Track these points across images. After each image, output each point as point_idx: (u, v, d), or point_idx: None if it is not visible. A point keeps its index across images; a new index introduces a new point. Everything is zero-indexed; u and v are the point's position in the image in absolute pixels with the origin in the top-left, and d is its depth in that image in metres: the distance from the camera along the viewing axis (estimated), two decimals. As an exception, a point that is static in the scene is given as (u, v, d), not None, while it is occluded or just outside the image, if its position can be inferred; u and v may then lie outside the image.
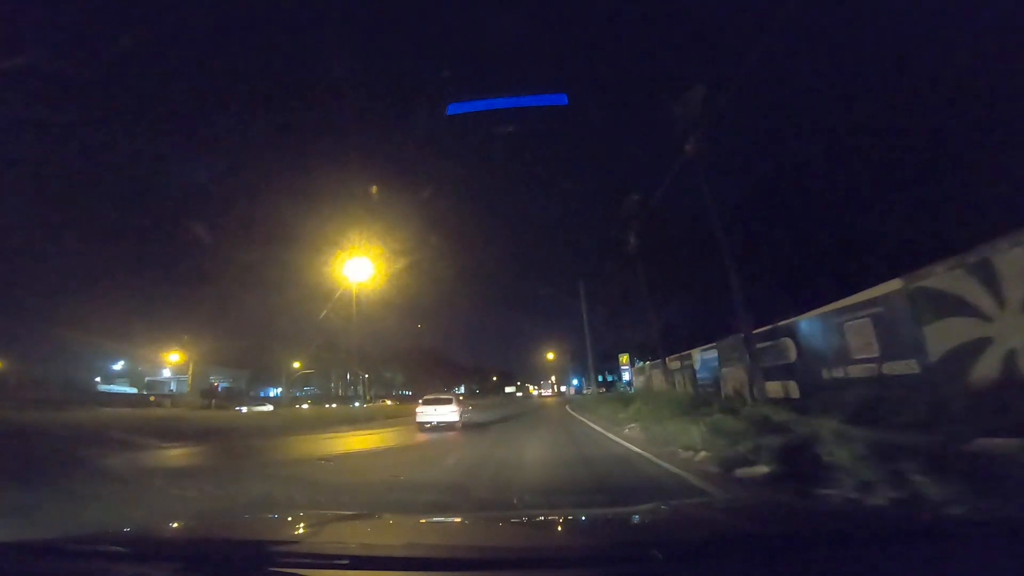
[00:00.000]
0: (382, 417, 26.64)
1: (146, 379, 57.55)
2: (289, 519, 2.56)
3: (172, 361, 52.43)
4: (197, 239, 28.83)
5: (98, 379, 48.96)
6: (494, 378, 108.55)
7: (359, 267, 27.04)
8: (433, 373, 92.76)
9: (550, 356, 71.03)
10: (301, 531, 2.11)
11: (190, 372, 54.69)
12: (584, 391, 67.08)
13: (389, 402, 52.50)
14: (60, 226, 30.76)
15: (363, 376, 56.58)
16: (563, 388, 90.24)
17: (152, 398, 45.63)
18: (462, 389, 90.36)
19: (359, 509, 2.99)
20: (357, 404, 40.51)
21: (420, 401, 18.12)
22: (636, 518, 2.35)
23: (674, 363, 22.85)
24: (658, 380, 27.38)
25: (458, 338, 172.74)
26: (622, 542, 1.79)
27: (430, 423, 16.69)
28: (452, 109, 14.25)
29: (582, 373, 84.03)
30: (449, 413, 16.80)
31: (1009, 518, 2.00)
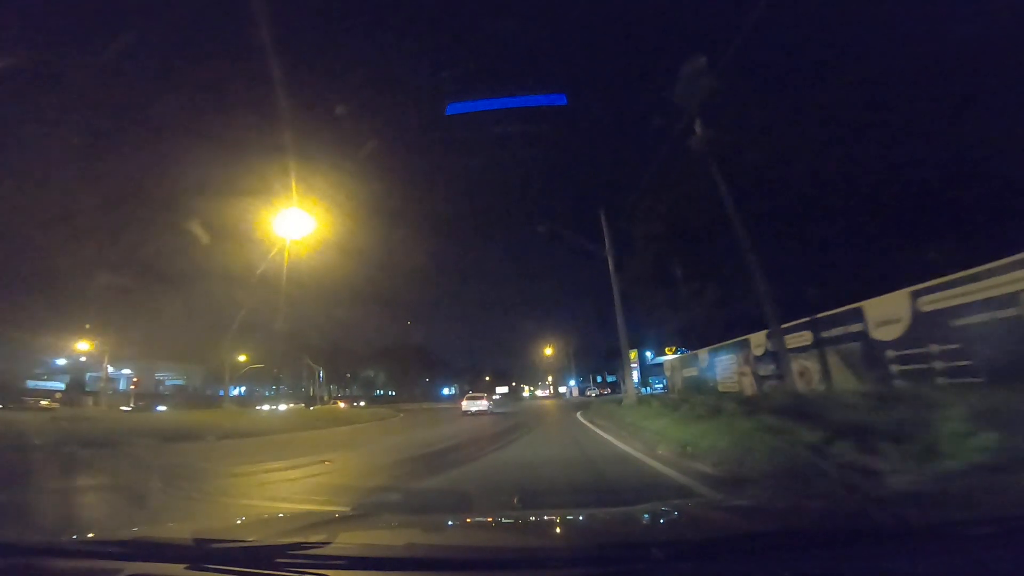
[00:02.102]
0: (289, 430, 15.56)
1: (87, 375, 48.91)
2: (288, 519, 2.53)
3: (80, 350, 43.32)
4: (140, 224, 23.70)
5: (43, 375, 44.17)
6: (487, 378, 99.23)
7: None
8: (422, 372, 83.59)
9: (548, 351, 59.86)
10: (300, 531, 1.95)
11: (104, 364, 44.37)
12: (589, 392, 55.06)
13: (342, 404, 40.49)
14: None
15: (318, 372, 45.11)
16: (562, 389, 79.99)
17: (58, 394, 38.87)
18: (454, 389, 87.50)
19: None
20: (275, 408, 28.96)
21: (464, 397, 30.20)
22: (636, 518, 2.25)
23: (799, 337, 11.66)
24: (735, 371, 16.09)
25: (452, 337, 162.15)
26: (622, 542, 1.73)
27: (471, 411, 25.14)
28: (451, 109, 13.28)
29: (583, 372, 73.28)
30: (482, 404, 26.28)
31: (1009, 518, 1.56)
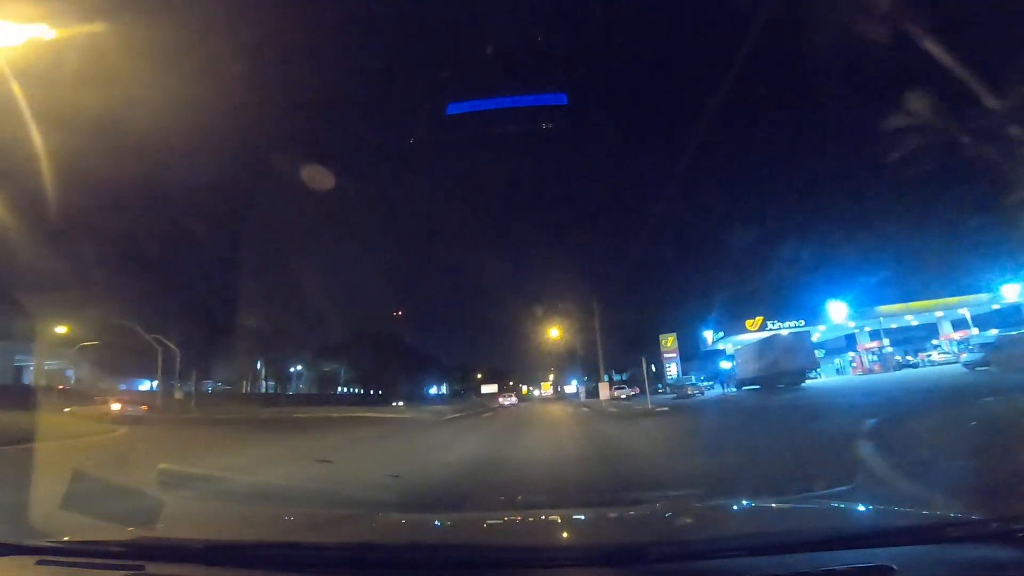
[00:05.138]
0: None
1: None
2: (288, 518, 2.41)
3: None
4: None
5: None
6: (479, 375, 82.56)
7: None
8: (402, 367, 67.60)
9: (555, 334, 43.46)
10: (300, 530, 1.99)
11: None
12: (618, 393, 36.25)
13: (118, 405, 21.01)
14: None
15: (170, 355, 26.84)
16: (569, 388, 63.34)
17: None
18: (444, 388, 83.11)
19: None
20: None
21: (500, 394, 47.70)
22: (636, 518, 2.24)
23: None
24: None
25: (442, 331, 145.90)
26: (622, 542, 1.69)
27: (502, 404, 35.50)
28: (452, 109, 13.30)
29: (584, 369, 55.06)
30: (511, 399, 42.81)
31: (1009, 517, 1.55)
